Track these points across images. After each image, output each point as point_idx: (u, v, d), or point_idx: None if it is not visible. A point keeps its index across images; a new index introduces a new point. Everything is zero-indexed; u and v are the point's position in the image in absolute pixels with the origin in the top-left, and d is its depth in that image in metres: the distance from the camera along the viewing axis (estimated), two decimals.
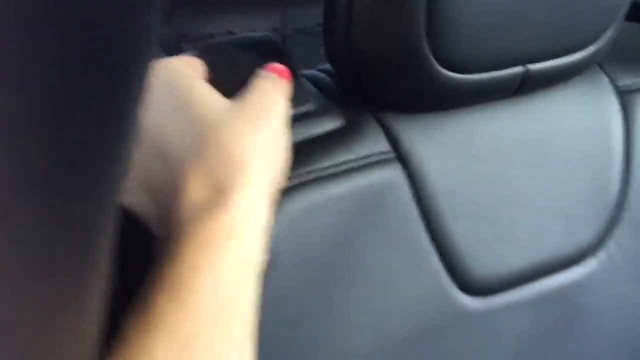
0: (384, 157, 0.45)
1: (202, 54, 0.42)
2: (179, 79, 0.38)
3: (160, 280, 0.31)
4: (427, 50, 0.42)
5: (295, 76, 0.44)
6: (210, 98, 0.37)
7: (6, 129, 0.17)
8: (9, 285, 0.19)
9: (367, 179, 0.44)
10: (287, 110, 0.39)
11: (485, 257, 0.48)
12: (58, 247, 0.20)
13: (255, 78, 0.39)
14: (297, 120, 0.44)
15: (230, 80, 0.39)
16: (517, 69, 0.46)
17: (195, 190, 0.33)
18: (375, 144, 0.46)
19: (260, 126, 0.36)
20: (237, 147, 0.35)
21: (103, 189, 0.21)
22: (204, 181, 0.34)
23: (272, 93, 0.39)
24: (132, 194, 0.36)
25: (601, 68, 0.53)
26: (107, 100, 0.19)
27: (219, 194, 0.33)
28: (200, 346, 0.29)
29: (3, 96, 0.16)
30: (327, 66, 0.51)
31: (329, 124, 0.45)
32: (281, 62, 0.43)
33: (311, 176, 0.43)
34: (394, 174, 0.45)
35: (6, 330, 0.20)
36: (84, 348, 0.24)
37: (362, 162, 0.45)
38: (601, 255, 0.52)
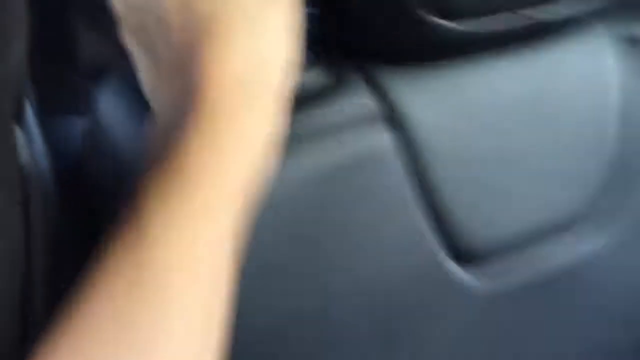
0: (370, 113, 0.43)
1: None
2: None
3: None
4: None
5: None
6: None
7: None
8: None
9: (352, 135, 0.42)
10: None
11: (479, 221, 0.45)
12: None
13: None
14: None
15: None
16: (509, 15, 0.43)
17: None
18: (360, 99, 0.43)
19: None
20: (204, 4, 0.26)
21: None
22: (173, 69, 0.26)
23: None
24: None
25: (602, 19, 0.50)
26: None
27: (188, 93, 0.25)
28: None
29: None
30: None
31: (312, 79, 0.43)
32: None
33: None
34: (380, 130, 0.43)
35: None
36: None
37: (347, 118, 0.42)
38: (597, 218, 0.50)
